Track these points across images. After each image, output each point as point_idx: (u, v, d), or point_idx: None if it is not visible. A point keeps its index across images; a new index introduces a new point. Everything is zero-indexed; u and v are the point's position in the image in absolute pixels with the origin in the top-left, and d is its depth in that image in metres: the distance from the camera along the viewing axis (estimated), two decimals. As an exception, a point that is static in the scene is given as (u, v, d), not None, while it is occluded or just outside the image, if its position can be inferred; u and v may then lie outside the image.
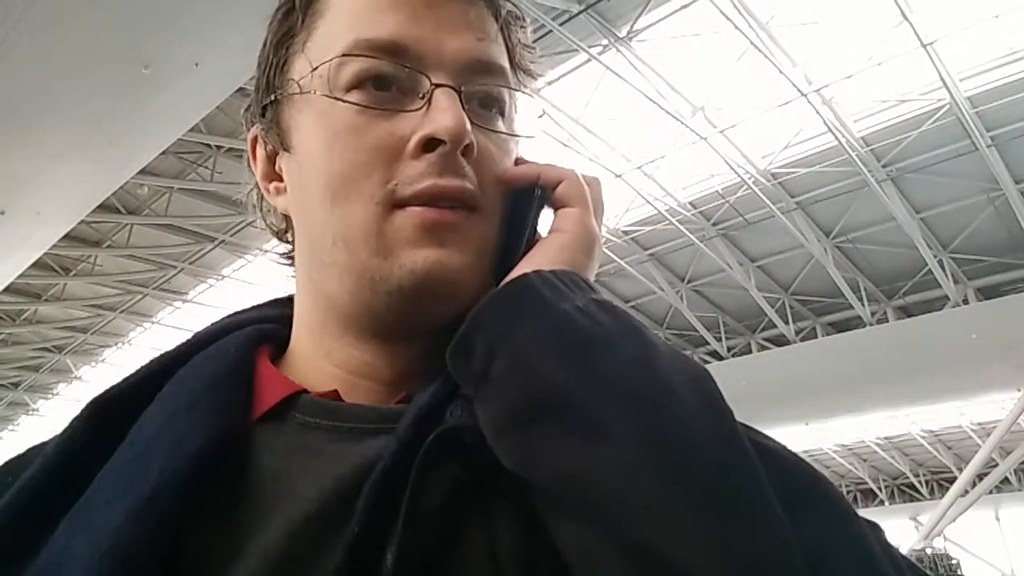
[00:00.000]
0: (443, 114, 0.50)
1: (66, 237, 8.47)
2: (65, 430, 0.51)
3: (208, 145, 9.11)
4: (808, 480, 0.41)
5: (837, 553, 0.37)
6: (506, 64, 0.57)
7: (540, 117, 7.99)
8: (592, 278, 0.54)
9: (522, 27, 0.60)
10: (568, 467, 0.40)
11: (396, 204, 0.51)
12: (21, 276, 9.16)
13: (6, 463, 0.54)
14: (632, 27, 7.46)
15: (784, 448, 0.43)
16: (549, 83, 8.20)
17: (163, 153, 7.12)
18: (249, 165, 0.61)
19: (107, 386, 0.54)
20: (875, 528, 0.41)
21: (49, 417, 16.96)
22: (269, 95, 0.57)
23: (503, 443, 0.43)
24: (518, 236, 0.56)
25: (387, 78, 0.52)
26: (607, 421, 0.40)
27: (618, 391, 0.41)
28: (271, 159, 0.59)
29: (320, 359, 0.56)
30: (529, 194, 0.56)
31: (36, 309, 12.97)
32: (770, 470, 0.39)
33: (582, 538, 0.40)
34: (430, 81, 0.52)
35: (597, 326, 0.45)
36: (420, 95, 0.52)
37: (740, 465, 0.38)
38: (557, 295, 0.47)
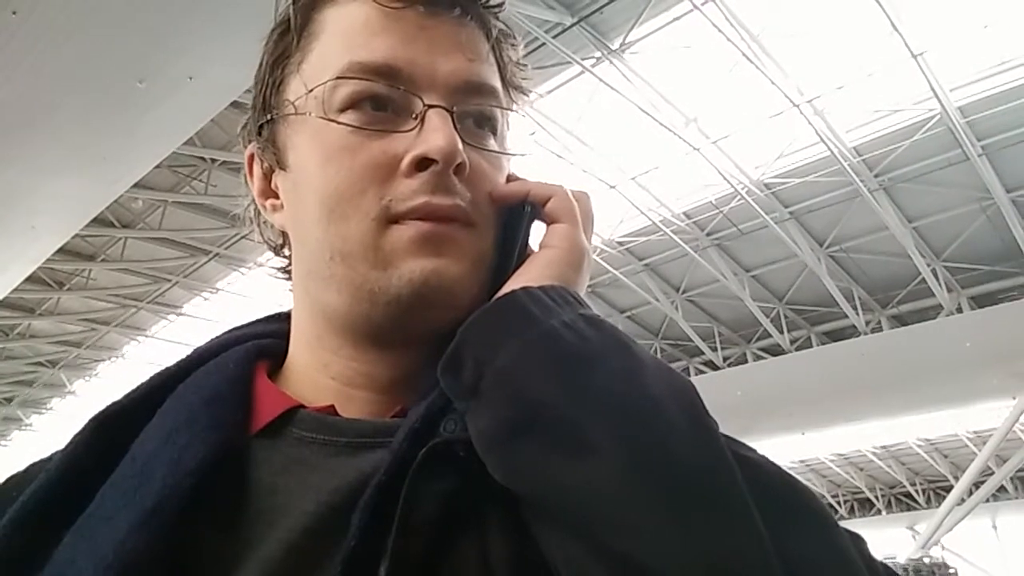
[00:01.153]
0: (435, 134, 0.51)
1: (60, 251, 8.44)
2: (68, 445, 0.51)
3: (203, 158, 9.12)
4: (789, 492, 0.42)
5: (816, 563, 0.38)
6: (497, 84, 0.58)
7: (532, 135, 8.05)
8: (582, 292, 0.55)
9: (513, 45, 0.61)
10: (554, 481, 0.41)
11: (391, 219, 0.52)
12: (15, 290, 9.13)
13: (9, 478, 0.55)
14: (625, 39, 7.51)
15: (766, 460, 0.44)
16: (542, 95, 8.23)
17: (157, 166, 7.13)
18: (246, 181, 0.62)
19: (107, 402, 0.54)
20: (857, 539, 0.42)
21: (42, 432, 16.85)
22: (265, 115, 0.58)
23: (492, 457, 0.44)
24: (510, 252, 0.57)
25: (381, 99, 0.53)
26: (592, 435, 0.41)
27: (603, 406, 0.42)
28: (267, 176, 0.60)
29: (317, 372, 0.57)
30: (520, 211, 0.58)
31: (29, 323, 12.91)
32: (751, 482, 0.39)
33: (568, 549, 0.41)
34: (423, 102, 0.53)
35: (584, 341, 0.46)
36: (413, 115, 0.53)
37: (722, 478, 0.39)
38: (545, 311, 0.48)
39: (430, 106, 0.53)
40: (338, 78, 0.53)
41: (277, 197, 0.60)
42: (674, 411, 0.42)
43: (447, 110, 0.53)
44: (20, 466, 0.56)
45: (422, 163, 0.52)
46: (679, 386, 0.44)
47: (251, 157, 0.61)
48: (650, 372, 0.44)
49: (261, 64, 0.59)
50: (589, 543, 0.39)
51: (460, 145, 0.52)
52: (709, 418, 0.43)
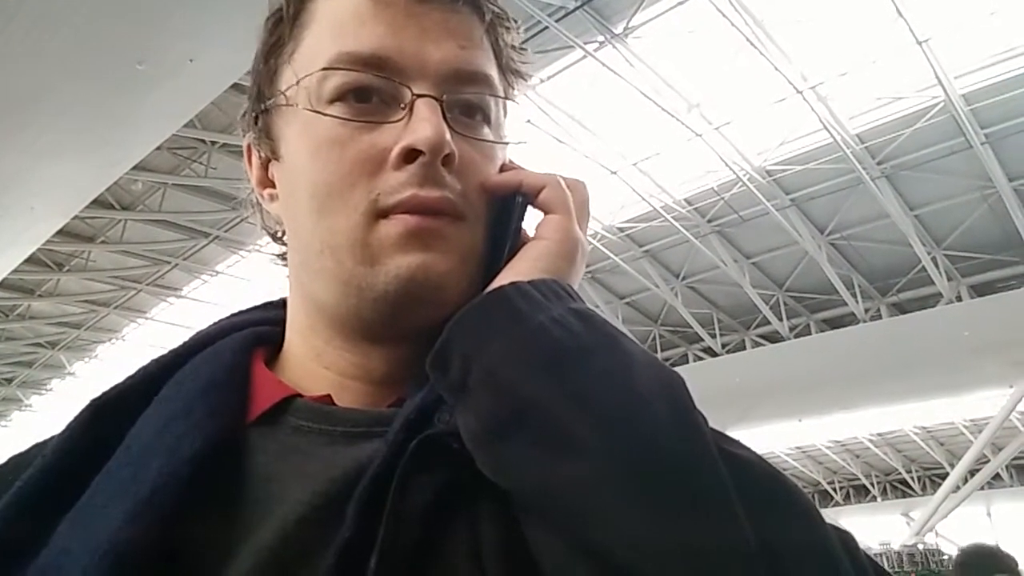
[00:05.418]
0: (423, 124, 0.51)
1: (60, 232, 8.44)
2: (64, 431, 0.51)
3: (203, 141, 9.09)
4: (776, 488, 0.41)
5: (799, 559, 0.38)
6: (492, 71, 0.57)
7: (527, 122, 8.01)
8: (576, 284, 0.54)
9: (508, 29, 0.59)
10: (538, 478, 0.41)
11: (379, 214, 0.51)
12: (14, 272, 9.14)
13: (7, 462, 0.55)
14: (628, 23, 7.46)
15: (755, 456, 0.43)
16: (544, 80, 8.19)
17: (157, 149, 7.11)
18: (246, 170, 0.62)
19: (107, 384, 0.54)
20: (845, 536, 0.42)
21: (42, 413, 16.92)
22: (260, 105, 0.58)
23: (479, 453, 0.44)
24: (502, 243, 0.56)
25: (369, 90, 0.52)
26: (576, 433, 0.41)
27: (588, 403, 0.42)
28: (265, 166, 0.60)
29: (312, 361, 0.57)
30: (513, 201, 0.57)
31: (29, 305, 12.93)
32: (737, 479, 0.39)
33: (552, 543, 0.41)
34: (411, 92, 0.52)
35: (572, 337, 0.45)
36: (402, 106, 0.52)
37: (706, 477, 0.39)
38: (533, 306, 0.47)
39: (418, 95, 0.52)
40: (326, 69, 0.52)
41: (274, 187, 0.59)
42: (660, 408, 0.41)
43: (436, 99, 0.52)
44: (22, 447, 0.56)
45: (409, 154, 0.51)
46: (667, 382, 0.44)
47: (249, 147, 0.61)
48: (638, 368, 0.44)
49: (256, 54, 0.58)
50: (572, 538, 0.40)
51: (448, 135, 0.51)
52: (697, 414, 0.43)
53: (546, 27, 7.08)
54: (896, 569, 12.77)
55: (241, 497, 0.47)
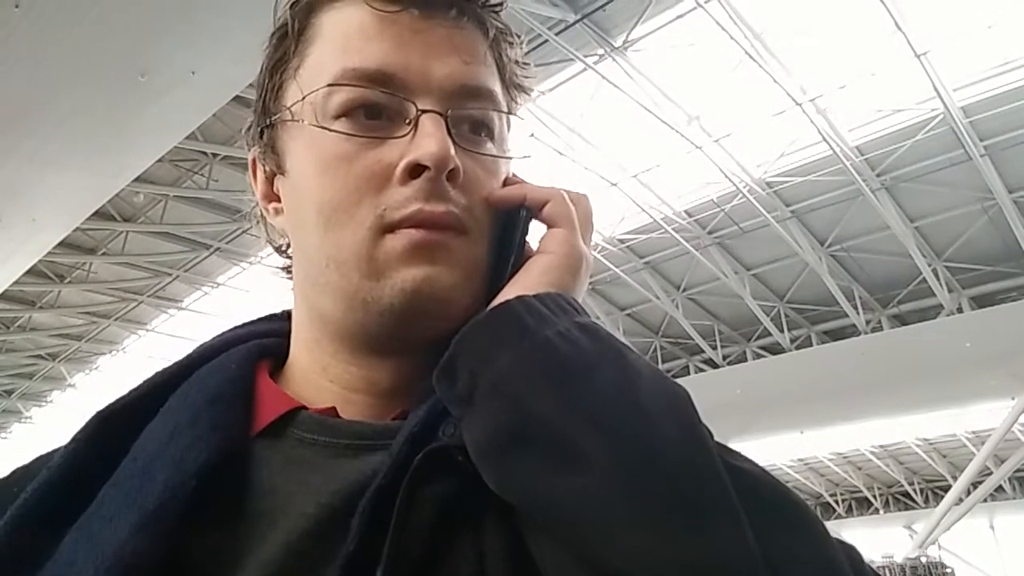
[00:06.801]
0: (427, 140, 0.51)
1: (61, 244, 8.45)
2: (70, 443, 0.51)
3: (204, 153, 9.11)
4: (782, 502, 0.41)
5: (804, 573, 0.38)
6: (495, 86, 0.58)
7: (531, 136, 8.03)
8: (580, 298, 0.54)
9: (512, 44, 0.60)
10: (543, 492, 0.41)
11: (385, 229, 0.52)
12: (15, 283, 9.14)
13: (11, 473, 0.55)
14: (628, 37, 7.50)
15: (760, 471, 0.43)
16: (545, 92, 8.22)
17: (159, 160, 7.12)
18: (251, 184, 0.63)
19: (109, 396, 0.54)
20: (850, 550, 0.42)
21: (42, 425, 16.87)
22: (265, 119, 0.58)
23: (484, 465, 0.44)
24: (506, 256, 0.56)
25: (375, 106, 0.53)
26: (583, 448, 0.41)
27: (595, 418, 0.42)
28: (270, 180, 0.60)
29: (317, 374, 0.57)
30: (516, 215, 0.57)
31: (30, 316, 12.92)
32: (743, 494, 0.39)
33: (556, 557, 0.41)
34: (416, 107, 0.53)
35: (578, 352, 0.45)
36: (407, 121, 0.53)
37: (711, 491, 0.39)
38: (539, 321, 0.47)
39: (423, 111, 0.52)
40: (331, 85, 0.53)
41: (279, 200, 0.60)
42: (666, 423, 0.42)
43: (440, 115, 0.53)
44: (24, 459, 0.56)
45: (415, 170, 0.51)
46: (673, 396, 0.44)
47: (254, 161, 0.61)
48: (644, 382, 0.44)
49: (261, 68, 0.59)
50: (577, 552, 0.40)
51: (452, 150, 0.51)
52: (702, 428, 0.43)
53: (546, 40, 7.11)
54: (899, 582, 12.72)
55: (246, 509, 0.47)
